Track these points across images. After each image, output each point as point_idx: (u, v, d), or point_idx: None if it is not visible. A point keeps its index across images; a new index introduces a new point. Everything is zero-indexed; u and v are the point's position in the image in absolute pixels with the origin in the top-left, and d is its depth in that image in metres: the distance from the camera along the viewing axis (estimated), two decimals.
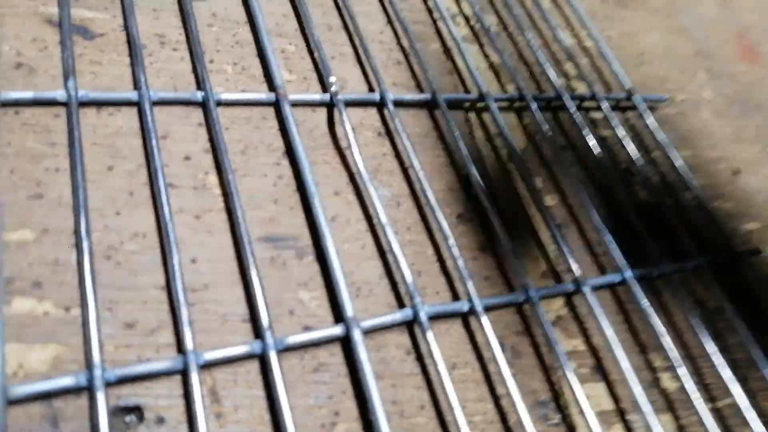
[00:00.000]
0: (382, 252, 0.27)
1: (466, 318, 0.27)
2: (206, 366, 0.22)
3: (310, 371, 0.23)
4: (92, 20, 0.28)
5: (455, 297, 0.27)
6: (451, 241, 0.27)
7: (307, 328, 0.24)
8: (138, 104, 0.26)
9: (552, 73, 0.37)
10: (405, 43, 0.36)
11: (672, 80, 0.44)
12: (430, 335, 0.24)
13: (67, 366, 0.20)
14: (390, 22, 0.37)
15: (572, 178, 0.32)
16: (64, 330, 0.21)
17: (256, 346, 0.22)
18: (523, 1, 0.44)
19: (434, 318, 0.26)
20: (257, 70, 0.30)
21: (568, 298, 0.29)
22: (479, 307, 0.26)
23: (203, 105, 0.28)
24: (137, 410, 0.20)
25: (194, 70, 0.29)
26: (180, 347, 0.22)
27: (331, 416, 0.22)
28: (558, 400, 0.26)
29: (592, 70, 0.42)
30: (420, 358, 0.25)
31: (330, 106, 0.31)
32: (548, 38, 0.42)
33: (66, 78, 0.25)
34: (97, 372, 0.20)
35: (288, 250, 0.25)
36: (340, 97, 0.30)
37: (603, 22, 0.46)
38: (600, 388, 0.28)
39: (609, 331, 0.27)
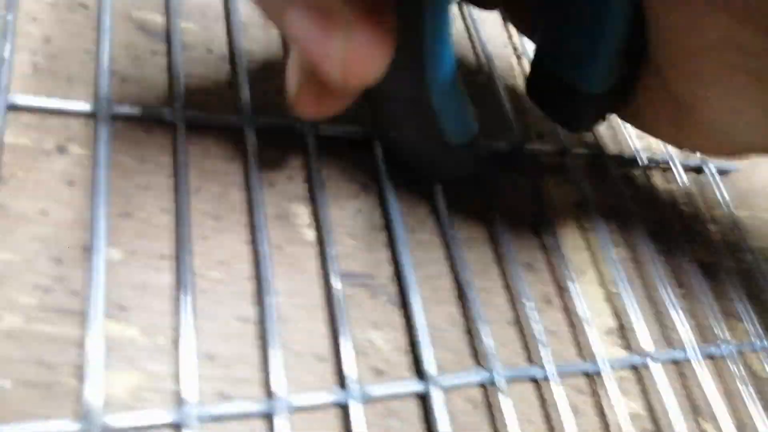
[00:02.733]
0: (452, 297, 0.27)
1: (537, 380, 0.26)
2: (295, 410, 0.22)
3: (379, 417, 0.23)
4: (182, 30, 0.28)
5: (526, 352, 0.27)
6: (523, 290, 0.27)
7: (378, 372, 0.24)
8: (240, 128, 0.26)
9: (636, 141, 0.37)
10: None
11: None
12: (501, 398, 0.24)
13: (149, 396, 0.20)
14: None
15: (639, 232, 0.32)
16: (146, 358, 0.21)
17: (340, 395, 0.22)
18: None
19: (513, 380, 0.25)
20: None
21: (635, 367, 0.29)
22: (553, 375, 0.26)
23: (302, 134, 0.28)
24: None
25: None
26: (266, 388, 0.22)
27: None
28: None
29: None
30: (485, 411, 0.25)
31: None
32: None
33: (173, 98, 0.25)
34: (189, 409, 0.20)
35: (362, 289, 0.25)
36: None
37: None
38: None
39: (670, 400, 0.27)
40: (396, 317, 0.25)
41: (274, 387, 0.21)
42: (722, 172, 0.40)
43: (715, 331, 0.32)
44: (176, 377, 0.21)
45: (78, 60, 0.25)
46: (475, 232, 0.29)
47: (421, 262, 0.27)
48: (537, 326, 0.27)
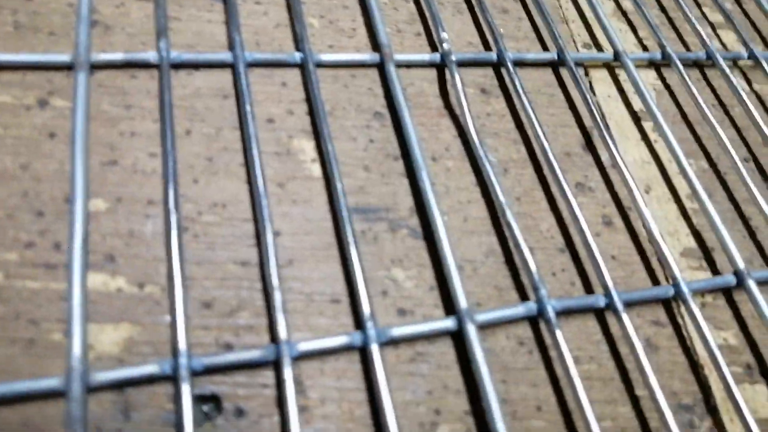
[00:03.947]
0: (486, 226, 0.23)
1: (599, 312, 0.22)
2: (298, 357, 0.19)
3: (406, 361, 0.20)
4: None
5: (582, 280, 0.23)
6: (576, 210, 0.23)
7: (401, 311, 0.21)
8: (232, 66, 0.24)
9: (700, 29, 0.31)
10: None
11: None
12: (558, 334, 0.20)
13: (140, 349, 0.19)
14: None
15: (722, 138, 0.27)
16: (137, 309, 0.19)
17: (356, 338, 0.19)
18: None
19: (563, 313, 0.21)
20: (348, 23, 0.27)
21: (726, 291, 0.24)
22: (619, 304, 0.21)
23: (301, 66, 0.25)
24: (214, 399, 0.18)
25: (288, 25, 0.26)
26: (271, 334, 0.19)
27: (431, 414, 0.19)
28: (707, 403, 0.22)
29: (741, 18, 0.35)
30: (536, 351, 0.21)
31: (440, 66, 0.27)
32: None
33: (158, 38, 0.23)
34: (183, 361, 0.18)
35: (380, 223, 0.22)
36: (453, 57, 0.26)
37: None
38: (758, 391, 0.22)
39: None
40: (420, 251, 0.22)
41: (280, 334, 0.19)
42: None
43: None
44: (170, 327, 0.19)
45: (60, 13, 0.24)
46: (512, 153, 0.25)
47: (447, 191, 0.24)
48: (595, 250, 0.22)
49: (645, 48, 0.32)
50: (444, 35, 0.27)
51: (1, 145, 0.21)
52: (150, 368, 0.18)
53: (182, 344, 0.18)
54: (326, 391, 0.19)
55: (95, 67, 0.23)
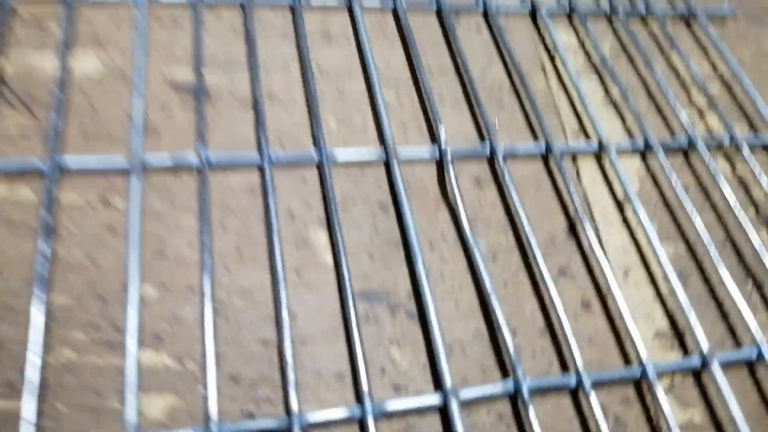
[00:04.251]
0: (475, 309, 0.27)
1: (573, 391, 0.26)
2: (308, 427, 0.23)
3: (400, 431, 0.24)
4: (209, 81, 0.31)
5: (560, 360, 0.26)
6: (554, 296, 0.26)
7: (396, 387, 0.24)
8: (260, 166, 0.28)
9: (683, 116, 0.34)
10: (507, 81, 0.35)
11: None
12: (531, 410, 0.24)
13: (180, 416, 0.23)
14: (496, 57, 0.36)
15: (697, 224, 0.30)
16: (178, 382, 0.23)
17: (355, 411, 0.23)
18: (647, 23, 0.41)
19: (538, 391, 0.25)
20: (359, 121, 0.31)
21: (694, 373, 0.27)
22: (587, 384, 0.25)
23: (318, 165, 0.29)
24: None
25: (308, 125, 0.31)
26: (286, 405, 0.23)
27: None
28: None
29: (729, 101, 0.38)
30: (513, 426, 0.24)
31: (440, 160, 0.31)
32: (675, 65, 0.39)
33: (198, 141, 0.28)
34: (214, 428, 0.22)
35: (380, 306, 0.26)
36: (449, 153, 0.30)
37: (734, 43, 0.42)
38: None
39: (735, 407, 0.25)
40: (415, 332, 0.26)
41: (292, 406, 0.23)
42: None
43: None
44: (205, 399, 0.23)
45: (119, 121, 0.29)
46: (501, 240, 0.29)
47: (442, 277, 0.27)
48: (569, 333, 0.26)
49: (631, 135, 0.35)
50: (442, 132, 0.31)
51: (72, 240, 0.25)
52: None
53: (213, 414, 0.22)
54: None
55: (148, 169, 0.27)
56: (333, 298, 0.26)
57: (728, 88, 0.39)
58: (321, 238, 0.27)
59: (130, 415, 0.21)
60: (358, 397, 0.24)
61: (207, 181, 0.27)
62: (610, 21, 0.41)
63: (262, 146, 0.29)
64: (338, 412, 0.23)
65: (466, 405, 0.24)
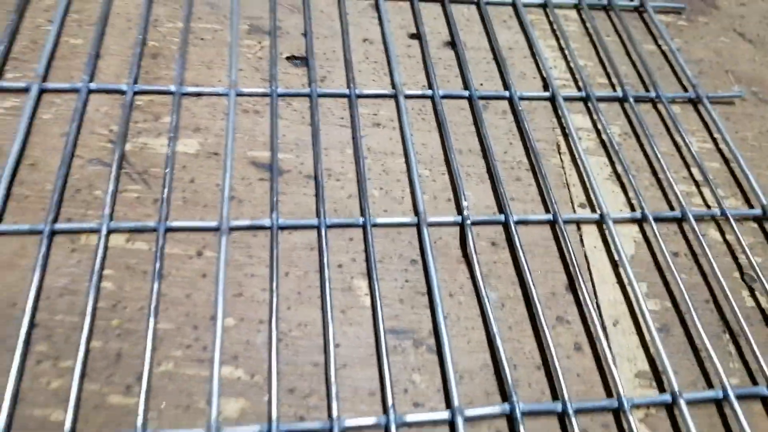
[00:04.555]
0: (484, 347, 0.33)
1: (560, 415, 0.31)
2: (345, 430, 0.30)
3: None
4: (281, 160, 0.40)
5: (552, 390, 0.32)
6: (548, 340, 0.33)
7: (416, 404, 0.31)
8: (317, 227, 0.36)
9: (678, 190, 0.40)
10: (525, 159, 0.42)
11: None
12: (522, 429, 0.30)
13: (249, 416, 0.30)
14: (517, 138, 0.43)
15: (681, 284, 0.35)
16: (249, 391, 0.31)
17: (382, 420, 0.30)
18: (656, 106, 0.48)
19: (529, 414, 0.31)
20: (399, 192, 0.39)
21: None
22: (570, 410, 0.30)
23: (363, 227, 0.37)
24: None
25: (356, 196, 0.38)
26: (329, 412, 0.30)
27: None
28: None
29: (727, 176, 0.44)
30: None
31: (462, 225, 0.38)
32: (679, 144, 0.45)
33: (271, 210, 0.36)
34: (274, 426, 0.29)
35: (407, 341, 0.33)
36: (469, 220, 0.37)
37: (738, 122, 0.48)
38: None
39: None
40: (433, 363, 0.32)
41: (334, 413, 0.30)
42: None
43: (765, 372, 0.33)
44: (268, 404, 0.30)
45: (211, 191, 0.37)
46: (509, 292, 0.36)
47: (458, 319, 0.34)
48: (562, 369, 0.32)
49: (632, 207, 0.41)
50: (465, 203, 0.38)
51: (173, 281, 0.34)
52: (254, 428, 0.29)
53: (274, 415, 0.29)
54: None
55: (232, 229, 0.36)
56: (369, 333, 0.33)
57: (728, 165, 0.45)
58: (362, 285, 0.35)
59: (213, 413, 0.29)
60: (385, 409, 0.30)
61: (277, 240, 0.35)
62: (622, 105, 0.47)
63: (320, 213, 0.36)
64: (369, 420, 0.30)
65: (470, 421, 0.31)
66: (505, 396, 0.32)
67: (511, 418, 0.31)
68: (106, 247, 0.34)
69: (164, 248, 0.34)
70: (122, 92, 0.41)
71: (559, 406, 0.31)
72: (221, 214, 0.35)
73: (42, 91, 0.40)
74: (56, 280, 0.33)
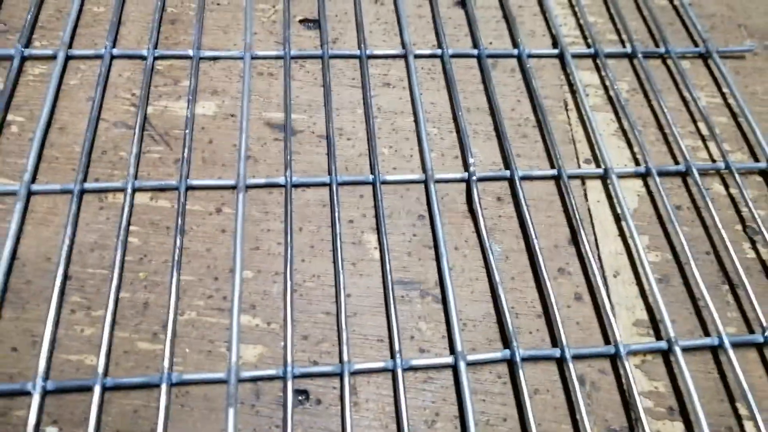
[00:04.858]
0: (487, 297, 0.35)
1: (558, 360, 0.33)
2: (354, 373, 0.32)
3: (421, 381, 0.32)
4: (295, 120, 0.41)
5: (551, 337, 0.34)
6: (549, 290, 0.34)
7: (422, 350, 0.33)
8: (329, 185, 0.38)
9: (683, 144, 0.41)
10: (532, 116, 0.43)
11: None
12: (522, 373, 0.32)
13: (266, 361, 0.32)
14: (525, 96, 0.44)
15: (681, 236, 0.37)
16: (266, 337, 0.33)
17: (389, 364, 0.32)
18: (666, 62, 0.48)
19: (528, 359, 0.33)
20: (407, 151, 0.40)
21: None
22: (568, 355, 0.32)
23: (372, 184, 0.38)
24: (305, 393, 0.32)
25: (366, 154, 0.40)
26: (340, 357, 0.33)
27: (433, 415, 0.31)
28: (631, 430, 0.31)
29: (734, 131, 0.44)
30: (509, 383, 0.32)
31: (468, 181, 0.39)
32: (687, 99, 0.46)
33: (285, 168, 0.38)
34: (289, 369, 0.31)
35: (414, 291, 0.35)
36: (475, 176, 0.39)
37: (748, 77, 0.47)
38: (675, 426, 0.32)
39: (690, 381, 0.32)
40: (438, 312, 0.34)
41: (344, 358, 0.32)
42: None
43: (761, 321, 0.34)
44: (283, 350, 0.33)
45: (228, 151, 0.39)
46: (513, 245, 0.37)
47: (463, 270, 0.36)
48: (558, 318, 0.33)
49: (637, 162, 0.42)
50: (471, 160, 0.39)
51: (195, 236, 0.36)
52: (271, 371, 0.32)
53: (289, 359, 0.32)
54: (369, 395, 0.32)
55: (249, 187, 0.38)
56: (378, 284, 0.35)
57: (735, 119, 0.45)
58: (372, 239, 0.37)
59: (233, 358, 0.31)
60: (392, 354, 0.32)
61: (290, 196, 0.37)
62: (631, 61, 0.48)
63: (331, 171, 0.38)
64: (377, 365, 0.32)
65: (472, 365, 0.33)
66: (506, 343, 0.34)
67: (511, 363, 0.33)
68: (131, 205, 0.36)
69: (185, 205, 0.37)
70: (143, 57, 0.43)
71: (557, 352, 0.33)
72: (238, 172, 0.37)
73: (68, 58, 0.42)
74: (86, 235, 0.35)
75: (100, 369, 0.31)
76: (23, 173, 0.36)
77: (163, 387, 0.30)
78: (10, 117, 0.39)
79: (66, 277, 0.34)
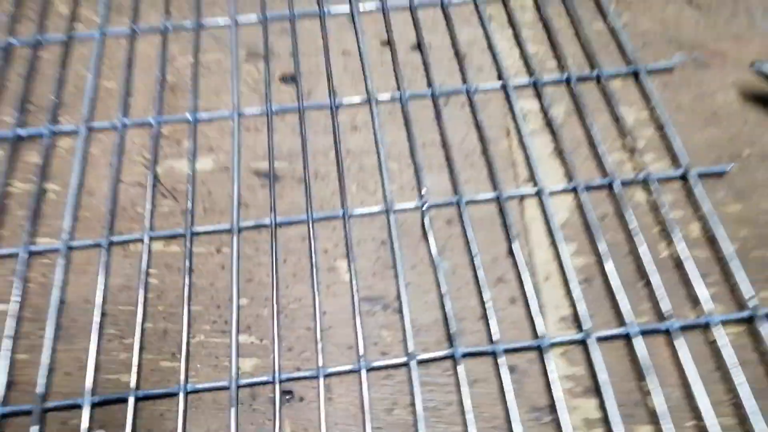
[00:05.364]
0: (437, 305, 0.43)
1: (492, 354, 0.41)
2: (328, 375, 0.40)
3: (382, 378, 0.40)
4: (277, 168, 0.49)
5: (488, 337, 0.42)
6: (487, 296, 0.42)
7: (383, 353, 0.41)
8: (307, 222, 0.47)
9: (609, 160, 0.48)
10: (479, 146, 0.50)
11: (743, 136, 0.50)
12: (461, 366, 0.39)
13: (260, 370, 0.41)
14: (473, 128, 0.51)
15: (601, 243, 0.44)
16: (259, 351, 0.42)
17: (356, 366, 0.40)
18: (600, 83, 0.54)
19: (467, 355, 0.40)
20: (372, 186, 0.48)
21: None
22: (501, 350, 0.40)
23: (343, 218, 0.47)
24: (291, 393, 0.40)
25: (337, 192, 0.48)
26: (317, 363, 0.41)
27: (391, 405, 0.39)
28: (551, 407, 0.39)
29: (658, 142, 0.51)
30: (453, 375, 0.40)
31: (421, 210, 0.47)
32: (617, 117, 0.52)
33: (271, 211, 0.47)
34: (277, 375, 0.40)
35: (378, 305, 0.43)
36: (426, 205, 0.47)
37: (676, 89, 0.54)
38: (590, 403, 0.39)
39: (604, 365, 0.39)
40: (397, 321, 0.42)
41: (320, 363, 0.40)
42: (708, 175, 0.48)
43: (670, 311, 0.41)
44: (273, 360, 0.41)
45: (225, 200, 0.48)
46: (459, 261, 0.45)
47: (418, 285, 0.44)
48: (493, 318, 0.41)
49: (570, 178, 0.49)
50: (423, 191, 0.47)
51: (200, 274, 0.45)
52: (264, 378, 0.40)
53: (277, 367, 0.40)
54: (341, 391, 0.40)
55: (241, 229, 0.46)
56: (348, 302, 0.43)
57: (661, 131, 0.51)
58: (343, 265, 0.45)
59: (234, 369, 0.40)
60: (358, 358, 0.41)
61: (276, 235, 0.45)
62: (568, 85, 0.54)
63: (308, 209, 0.46)
64: (346, 367, 0.40)
65: (424, 363, 0.41)
66: (451, 343, 0.41)
67: (453, 359, 0.41)
68: (149, 252, 0.45)
69: (192, 249, 0.45)
70: (150, 125, 0.52)
71: (491, 348, 0.40)
72: (233, 217, 0.46)
73: (89, 130, 0.51)
74: (116, 279, 0.44)
75: (133, 384, 0.40)
76: (62, 233, 0.45)
77: (181, 395, 0.39)
78: (47, 186, 0.49)
79: (103, 314, 0.43)
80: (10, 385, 0.40)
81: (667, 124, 0.50)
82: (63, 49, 0.56)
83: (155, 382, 0.41)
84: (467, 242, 0.46)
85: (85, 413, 0.39)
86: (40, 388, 0.40)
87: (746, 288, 0.42)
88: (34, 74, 0.55)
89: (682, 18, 0.59)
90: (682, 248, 0.44)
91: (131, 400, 0.39)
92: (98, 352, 0.41)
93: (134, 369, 0.40)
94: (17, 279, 0.44)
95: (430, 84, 0.54)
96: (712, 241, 0.45)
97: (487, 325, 0.42)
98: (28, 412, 0.39)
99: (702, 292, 0.43)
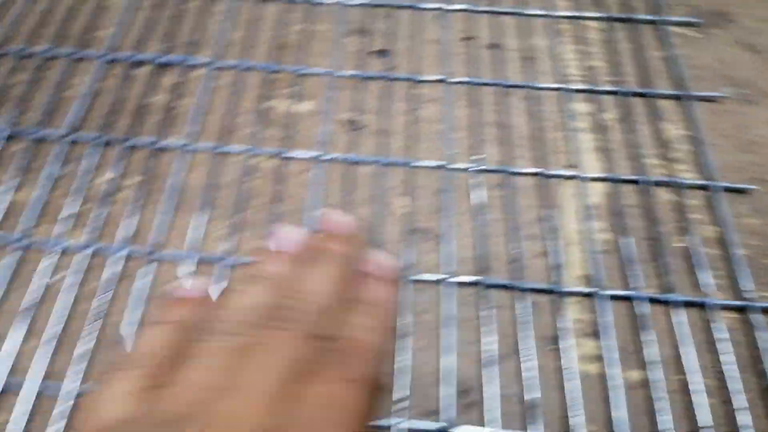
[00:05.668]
0: (473, 246, 0.51)
1: (514, 288, 0.49)
2: None
3: (418, 291, 0.49)
4: (358, 121, 0.59)
5: (513, 277, 0.50)
6: (518, 247, 0.50)
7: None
8: (377, 162, 0.56)
9: (644, 161, 0.55)
10: (532, 133, 0.59)
11: None
12: (488, 291, 0.48)
13: None
14: (528, 117, 0.60)
15: (628, 226, 0.51)
16: None
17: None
18: (650, 100, 0.62)
19: (492, 286, 0.48)
20: (435, 148, 0.57)
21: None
22: (523, 286, 0.48)
23: (405, 165, 0.56)
24: None
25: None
26: None
27: (422, 310, 0.48)
28: (557, 339, 0.46)
29: (693, 157, 0.57)
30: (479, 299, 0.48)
31: (471, 171, 0.56)
32: (659, 130, 0.60)
33: (349, 151, 0.56)
34: None
35: (425, 236, 0.52)
36: (477, 168, 0.55)
37: (719, 117, 0.61)
38: (591, 343, 0.46)
39: (608, 319, 0.46)
40: (438, 249, 0.51)
41: None
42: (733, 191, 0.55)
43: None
44: None
45: (314, 137, 0.58)
46: (498, 216, 0.53)
47: (461, 226, 0.52)
48: (522, 266, 0.49)
49: (607, 171, 0.56)
50: (477, 156, 0.55)
51: (287, 185, 0.55)
52: None
53: None
54: None
55: (323, 160, 0.56)
56: (399, 230, 0.52)
57: (697, 149, 0.58)
58: (399, 201, 0.54)
59: None
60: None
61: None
62: (621, 97, 0.62)
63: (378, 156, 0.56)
64: None
65: (456, 285, 0.49)
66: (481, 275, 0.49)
67: (482, 286, 0.49)
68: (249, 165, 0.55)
69: (284, 168, 0.55)
70: (266, 70, 0.62)
71: (516, 283, 0.48)
72: (318, 151, 0.56)
73: (217, 69, 0.63)
74: (224, 178, 0.55)
75: None
76: (188, 136, 0.56)
77: None
78: (181, 102, 0.60)
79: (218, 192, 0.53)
80: None
81: (704, 143, 0.57)
82: (203, 4, 0.68)
83: None
84: (508, 204, 0.54)
85: None
86: None
87: (748, 284, 0.49)
88: (181, 17, 0.67)
89: (739, 59, 0.66)
90: (695, 242, 0.51)
91: None
92: None
93: None
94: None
95: (497, 76, 0.63)
96: (724, 243, 0.52)
97: (515, 268, 0.50)
98: None
99: (707, 279, 0.49)
